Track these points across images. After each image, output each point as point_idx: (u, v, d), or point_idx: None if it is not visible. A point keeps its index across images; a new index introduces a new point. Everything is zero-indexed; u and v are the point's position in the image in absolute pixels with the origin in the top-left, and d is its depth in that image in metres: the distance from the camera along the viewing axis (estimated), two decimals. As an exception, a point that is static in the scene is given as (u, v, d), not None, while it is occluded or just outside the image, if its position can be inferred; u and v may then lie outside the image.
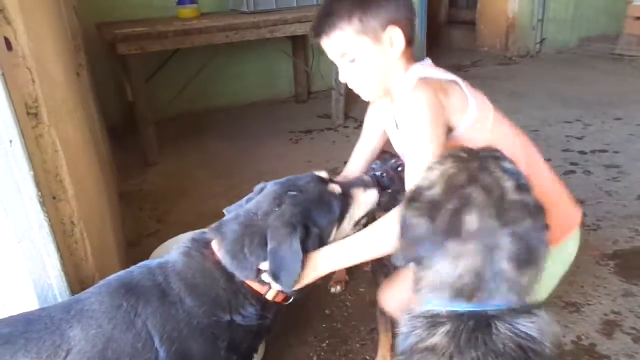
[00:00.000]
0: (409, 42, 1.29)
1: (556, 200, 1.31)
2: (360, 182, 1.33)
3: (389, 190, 1.58)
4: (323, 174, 1.31)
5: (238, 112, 4.80)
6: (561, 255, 1.34)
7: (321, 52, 1.36)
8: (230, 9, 4.30)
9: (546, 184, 1.32)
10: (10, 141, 1.15)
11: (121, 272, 1.20)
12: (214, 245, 1.21)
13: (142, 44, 3.37)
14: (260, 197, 1.24)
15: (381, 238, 1.14)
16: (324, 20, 1.27)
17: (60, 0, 2.38)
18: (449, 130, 1.22)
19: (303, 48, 4.84)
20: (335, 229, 1.22)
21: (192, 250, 1.19)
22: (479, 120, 1.23)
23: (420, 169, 1.01)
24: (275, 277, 1.12)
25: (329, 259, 1.19)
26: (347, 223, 1.25)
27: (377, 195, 1.33)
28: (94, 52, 3.74)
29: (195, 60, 4.37)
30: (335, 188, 1.26)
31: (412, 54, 1.33)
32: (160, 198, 3.24)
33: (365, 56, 1.27)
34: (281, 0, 4.13)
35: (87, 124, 2.06)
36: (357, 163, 1.62)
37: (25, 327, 1.06)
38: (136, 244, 2.70)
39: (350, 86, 1.36)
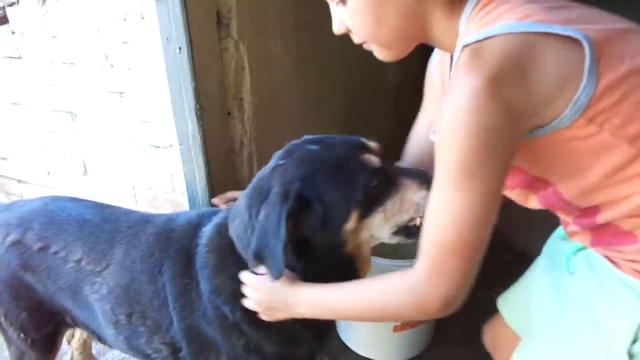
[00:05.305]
0: None
1: None
2: (416, 174, 0.88)
3: None
4: (372, 143, 0.90)
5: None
6: None
7: None
8: None
9: None
10: (180, 48, 1.15)
11: (172, 215, 1.09)
12: None
13: None
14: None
15: (377, 304, 0.77)
16: None
17: None
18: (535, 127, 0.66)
19: None
20: (353, 217, 0.83)
21: (222, 233, 0.97)
22: (605, 97, 0.63)
23: (440, 220, 0.67)
24: (258, 256, 0.83)
25: (305, 301, 0.84)
26: (378, 218, 0.85)
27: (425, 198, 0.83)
28: None
29: None
30: (372, 159, 0.85)
31: None
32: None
33: None
34: None
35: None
36: (416, 143, 1.01)
37: (98, 223, 1.07)
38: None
39: (355, 41, 0.82)
